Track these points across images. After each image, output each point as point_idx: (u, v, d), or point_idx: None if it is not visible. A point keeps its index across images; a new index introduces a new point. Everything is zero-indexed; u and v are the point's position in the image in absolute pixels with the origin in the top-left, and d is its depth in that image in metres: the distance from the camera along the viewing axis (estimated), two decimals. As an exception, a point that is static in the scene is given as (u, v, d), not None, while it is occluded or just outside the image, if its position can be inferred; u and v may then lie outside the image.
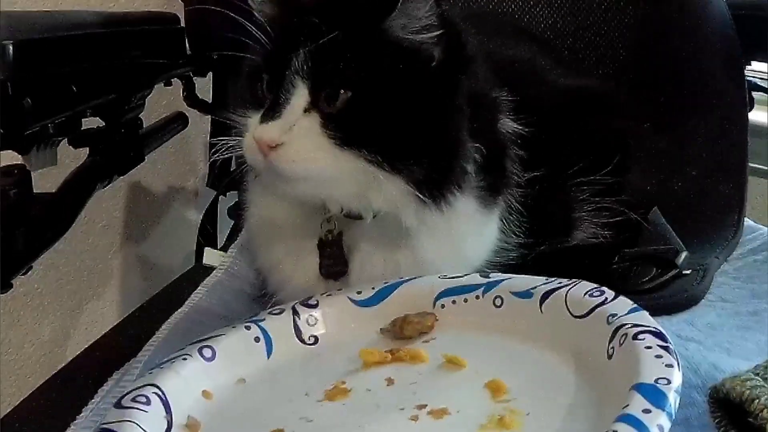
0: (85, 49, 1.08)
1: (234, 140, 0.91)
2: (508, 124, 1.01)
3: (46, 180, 1.12)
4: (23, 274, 1.05)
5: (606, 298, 0.82)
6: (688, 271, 1.07)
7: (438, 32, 0.87)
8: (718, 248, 1.17)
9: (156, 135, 1.36)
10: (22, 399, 1.06)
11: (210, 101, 1.51)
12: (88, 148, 1.21)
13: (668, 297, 1.03)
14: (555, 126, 1.07)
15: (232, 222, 1.40)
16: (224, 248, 1.30)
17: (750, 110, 1.39)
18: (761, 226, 1.26)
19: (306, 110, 0.86)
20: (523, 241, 1.03)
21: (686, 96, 1.33)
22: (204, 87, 1.46)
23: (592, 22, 1.37)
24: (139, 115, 1.27)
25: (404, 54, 0.87)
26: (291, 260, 1.01)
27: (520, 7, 1.37)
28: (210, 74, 1.46)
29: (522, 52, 1.20)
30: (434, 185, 0.90)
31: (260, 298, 1.08)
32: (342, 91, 0.85)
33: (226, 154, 0.92)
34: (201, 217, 1.57)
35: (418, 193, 0.89)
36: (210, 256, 1.21)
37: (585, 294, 0.84)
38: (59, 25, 1.05)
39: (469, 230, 0.98)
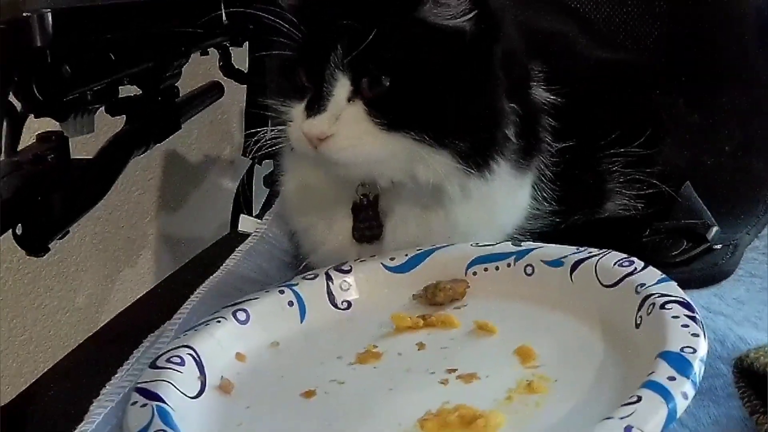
0: (122, 18, 1.09)
1: (277, 129, 0.95)
2: (541, 93, 1.02)
3: (83, 147, 1.13)
4: (60, 238, 1.06)
5: (635, 268, 0.83)
6: (718, 246, 1.07)
7: (472, 14, 0.89)
8: (749, 224, 1.16)
9: (192, 103, 1.37)
10: (57, 360, 1.07)
11: (246, 71, 1.51)
12: (125, 116, 1.22)
13: (698, 270, 1.03)
14: (588, 97, 1.08)
15: (268, 191, 1.41)
16: (259, 216, 1.31)
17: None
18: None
19: (349, 99, 0.89)
20: (555, 209, 1.04)
21: (720, 71, 1.32)
22: (240, 57, 1.47)
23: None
24: (176, 84, 1.27)
25: (439, 36, 0.89)
26: (324, 223, 1.03)
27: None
28: (246, 44, 1.46)
29: (558, 25, 1.20)
30: (479, 156, 0.92)
31: (294, 264, 1.09)
32: (382, 78, 0.88)
33: (271, 146, 0.97)
34: (236, 185, 1.58)
35: (464, 166, 0.91)
36: (245, 222, 1.22)
37: (615, 264, 0.84)
38: (94, -6, 1.06)
39: (503, 194, 1.00)
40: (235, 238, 1.21)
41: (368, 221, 0.99)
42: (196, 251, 1.38)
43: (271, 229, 1.18)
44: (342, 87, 0.89)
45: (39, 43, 0.94)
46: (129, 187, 1.64)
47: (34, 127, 1.02)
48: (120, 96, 1.19)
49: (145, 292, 1.21)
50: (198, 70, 1.52)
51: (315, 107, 0.89)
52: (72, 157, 1.07)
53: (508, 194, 1.01)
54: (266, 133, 0.96)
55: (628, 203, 1.09)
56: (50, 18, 0.95)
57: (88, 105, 1.10)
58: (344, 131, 0.89)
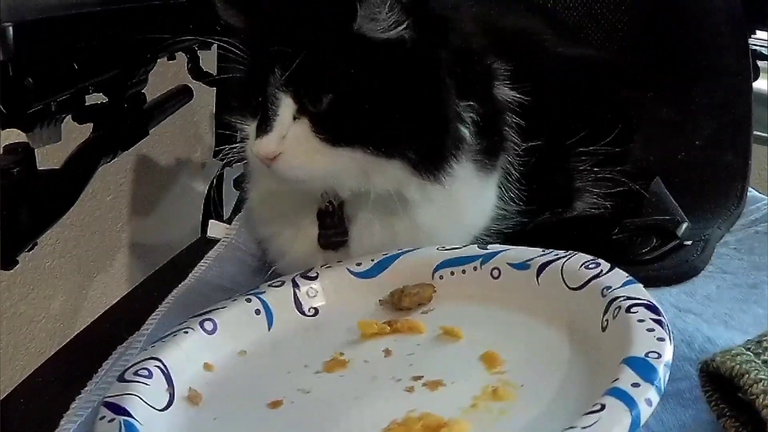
0: (86, 27, 1.07)
1: (238, 146, 0.97)
2: (505, 91, 1.01)
3: (51, 156, 1.12)
4: (29, 250, 1.06)
5: (601, 270, 0.83)
6: (689, 242, 1.07)
7: (407, 23, 0.88)
8: (721, 219, 1.16)
9: (160, 109, 1.36)
10: (27, 374, 1.07)
11: (215, 73, 1.50)
12: (92, 124, 1.21)
13: (668, 268, 1.03)
14: (555, 95, 1.08)
15: (238, 193, 1.40)
16: (230, 220, 1.30)
17: (755, 80, 1.37)
18: (763, 196, 1.25)
19: (295, 118, 0.89)
20: (523, 209, 1.03)
21: (691, 65, 1.31)
22: (209, 59, 1.46)
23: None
24: (142, 90, 1.27)
25: (377, 48, 0.88)
26: (290, 231, 1.03)
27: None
28: (215, 47, 1.45)
29: (524, 21, 1.19)
30: (431, 163, 0.92)
31: (263, 269, 1.09)
32: (323, 95, 0.88)
33: (236, 160, 0.99)
34: (206, 187, 1.57)
35: (417, 174, 0.91)
36: (214, 228, 1.21)
37: (581, 266, 0.84)
38: (60, 4, 1.05)
39: (467, 195, 0.99)
40: (206, 244, 1.20)
41: (333, 228, 0.99)
42: (169, 256, 1.38)
43: (239, 235, 1.18)
44: (286, 106, 0.89)
45: (1, 57, 0.93)
46: (101, 192, 1.64)
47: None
48: (87, 104, 1.18)
49: (115, 301, 1.20)
50: (167, 72, 1.51)
51: (263, 127, 0.89)
52: (39, 167, 1.07)
53: (473, 195, 1.00)
54: (234, 146, 0.97)
55: (598, 202, 1.09)
56: (11, 32, 0.94)
57: (54, 115, 1.09)
58: (292, 149, 0.89)
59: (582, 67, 1.15)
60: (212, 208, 1.43)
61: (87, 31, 1.09)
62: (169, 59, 1.36)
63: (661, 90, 1.27)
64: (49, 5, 1.03)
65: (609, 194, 1.09)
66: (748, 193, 1.24)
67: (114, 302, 1.46)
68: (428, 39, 0.90)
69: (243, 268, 1.12)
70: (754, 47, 1.40)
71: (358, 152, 0.89)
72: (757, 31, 1.41)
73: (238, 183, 1.40)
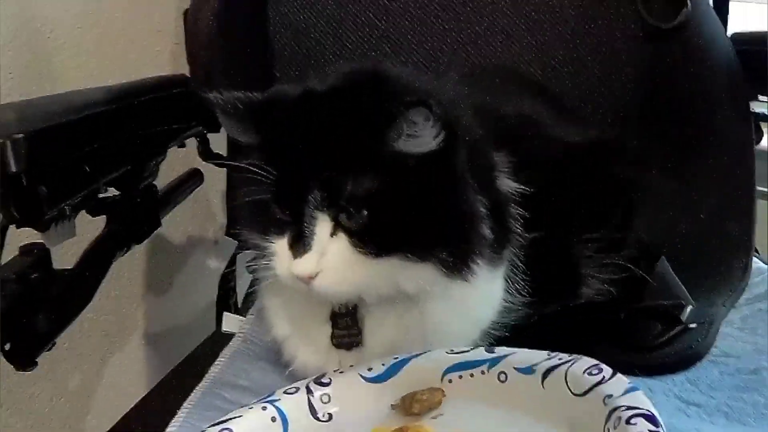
0: (95, 129, 1.10)
1: (264, 264, 0.95)
2: (507, 183, 1.03)
3: (66, 247, 1.15)
4: (48, 350, 1.08)
5: (604, 377, 0.84)
6: (693, 325, 1.08)
7: (441, 136, 0.89)
8: (726, 294, 1.18)
9: (172, 196, 1.39)
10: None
11: (225, 154, 1.52)
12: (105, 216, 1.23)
13: (673, 355, 1.05)
14: (558, 183, 1.09)
15: (251, 278, 1.42)
16: (245, 307, 1.32)
17: (758, 143, 1.39)
18: (765, 265, 1.26)
19: (332, 234, 0.90)
20: (529, 301, 1.04)
21: (693, 137, 1.33)
22: (219, 138, 1.49)
23: (596, 70, 1.37)
24: (154, 182, 1.29)
25: (411, 161, 0.89)
26: (304, 331, 1.04)
27: (522, 58, 1.38)
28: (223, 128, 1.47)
29: (525, 107, 1.20)
30: (461, 261, 0.93)
31: (278, 362, 1.10)
32: (361, 212, 0.88)
33: (263, 279, 1.01)
34: (222, 265, 1.59)
35: (448, 273, 0.93)
36: (228, 321, 1.22)
37: (584, 371, 0.86)
38: (67, 109, 1.07)
39: (477, 289, 1.00)
40: (222, 337, 1.22)
41: (347, 328, 1.01)
42: (185, 335, 1.38)
43: (254, 329, 1.19)
44: (323, 224, 0.89)
45: (14, 168, 0.96)
46: (117, 272, 1.65)
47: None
48: (100, 196, 1.21)
49: (134, 404, 1.22)
50: (178, 153, 1.53)
51: (300, 247, 0.89)
52: (54, 260, 1.09)
53: (483, 289, 1.01)
54: (262, 267, 0.96)
55: (603, 288, 1.10)
56: (23, 142, 0.96)
57: (68, 214, 1.12)
58: (332, 266, 0.90)
59: (581, 151, 1.16)
60: (226, 298, 1.43)
61: (96, 133, 1.11)
62: (179, 147, 1.37)
63: (664, 164, 1.28)
64: (55, 112, 1.06)
65: (614, 280, 1.10)
66: (753, 265, 1.25)
67: (132, 380, 1.49)
68: (452, 143, 0.91)
69: (258, 363, 1.13)
70: (757, 110, 1.40)
71: (395, 260, 0.90)
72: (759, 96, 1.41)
73: (250, 267, 1.42)
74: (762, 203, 1.63)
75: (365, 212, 0.88)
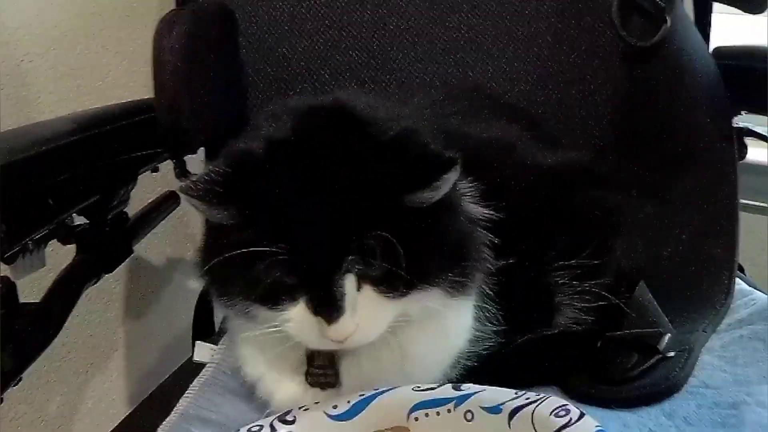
0: (60, 162, 1.08)
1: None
2: (472, 209, 1.00)
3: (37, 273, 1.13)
4: (14, 385, 1.06)
5: (570, 419, 0.82)
6: (672, 354, 1.06)
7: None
8: (707, 318, 1.16)
9: (146, 221, 1.37)
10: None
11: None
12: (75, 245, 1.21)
13: (649, 386, 1.02)
14: (530, 208, 1.07)
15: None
16: (221, 332, 1.30)
17: (742, 159, 1.36)
18: (749, 288, 1.24)
19: (358, 289, 0.88)
20: (500, 329, 1.03)
21: (673, 157, 1.31)
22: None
23: (573, 90, 1.35)
24: (125, 210, 1.27)
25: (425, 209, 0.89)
26: (278, 371, 1.02)
27: (497, 78, 1.36)
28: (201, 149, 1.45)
29: (497, 130, 1.18)
30: (464, 278, 0.94)
31: (249, 395, 1.08)
32: (384, 263, 0.87)
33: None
34: (200, 287, 1.57)
35: (452, 293, 0.93)
36: (200, 351, 1.20)
37: (551, 413, 0.84)
38: (31, 143, 1.05)
39: (451, 316, 0.99)
40: (196, 366, 1.20)
41: (323, 369, 0.99)
42: (165, 357, 1.36)
43: (225, 358, 1.17)
44: (350, 282, 0.87)
45: (-29, 207, 0.94)
46: (95, 294, 1.64)
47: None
48: (70, 224, 1.19)
49: (114, 427, 1.20)
50: (154, 175, 1.52)
51: (332, 311, 0.86)
52: (22, 292, 1.07)
53: (455, 317, 1.00)
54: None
55: (578, 317, 1.08)
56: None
57: (35, 247, 1.10)
58: (366, 319, 0.88)
59: (558, 176, 1.14)
60: (201, 322, 1.42)
61: (61, 165, 1.09)
62: (153, 171, 1.35)
63: (645, 185, 1.26)
64: (17, 147, 1.04)
65: (590, 308, 1.08)
66: (736, 287, 1.22)
67: (112, 401, 1.46)
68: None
69: (228, 396, 1.11)
70: (744, 124, 1.38)
71: (414, 293, 0.89)
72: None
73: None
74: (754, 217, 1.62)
75: (385, 261, 0.87)
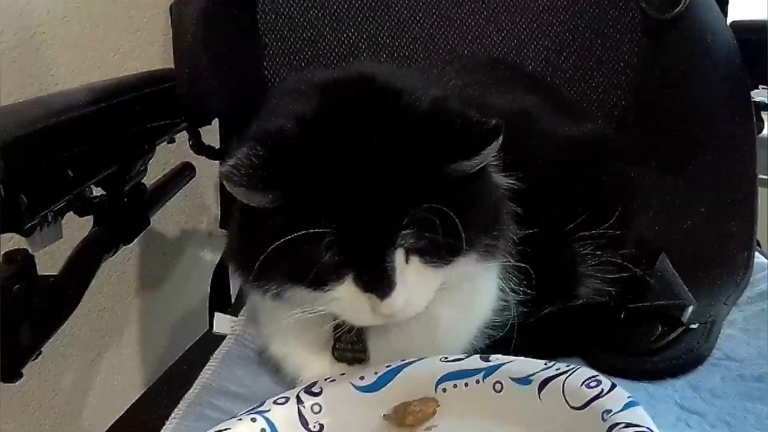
0: (77, 132, 1.08)
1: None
2: (498, 179, 0.99)
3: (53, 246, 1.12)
4: (33, 359, 1.06)
5: (602, 390, 0.81)
6: (695, 326, 1.06)
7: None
8: (729, 291, 1.15)
9: (162, 192, 1.36)
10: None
11: (217, 146, 1.49)
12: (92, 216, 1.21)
13: (674, 358, 1.02)
14: (553, 178, 1.07)
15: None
16: (239, 302, 1.29)
17: (759, 133, 1.35)
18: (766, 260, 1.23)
19: (406, 261, 0.88)
20: (524, 299, 1.02)
21: (694, 132, 1.30)
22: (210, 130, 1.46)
23: (593, 62, 1.34)
24: (142, 180, 1.26)
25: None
26: (305, 348, 1.02)
27: (518, 49, 1.35)
28: (215, 121, 1.45)
29: (520, 101, 1.17)
30: (496, 242, 0.95)
31: (269, 366, 1.08)
32: (428, 235, 0.86)
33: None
34: (216, 258, 1.57)
35: (485, 257, 0.93)
36: (220, 323, 1.19)
37: (582, 384, 0.83)
38: (47, 114, 1.04)
39: (477, 286, 1.00)
40: (214, 338, 1.19)
41: (351, 344, 0.99)
42: (180, 330, 1.35)
43: (246, 330, 1.17)
44: (400, 256, 0.87)
45: (-9, 179, 0.93)
46: (109, 268, 1.64)
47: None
48: (87, 196, 1.18)
49: (129, 404, 1.20)
50: (169, 147, 1.51)
51: (383, 287, 0.86)
52: (38, 263, 1.06)
53: (482, 285, 1.01)
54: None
55: (601, 287, 1.07)
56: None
57: (53, 218, 1.09)
58: (415, 290, 0.88)
59: (580, 147, 1.14)
60: (218, 293, 1.41)
61: (78, 136, 1.08)
62: (169, 142, 1.35)
63: (664, 161, 1.25)
64: (34, 117, 1.03)
65: (613, 280, 1.08)
66: (755, 260, 1.22)
67: (125, 377, 1.46)
68: None
69: (251, 368, 1.11)
70: (757, 99, 1.38)
71: (456, 260, 0.89)
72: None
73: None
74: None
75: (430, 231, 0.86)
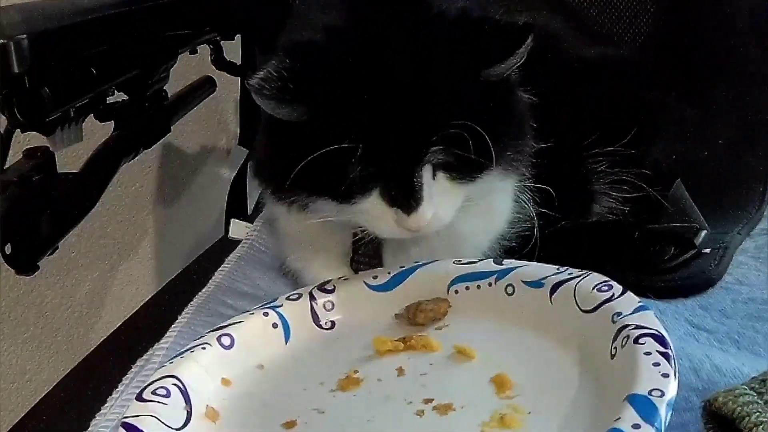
0: (102, 32, 1.07)
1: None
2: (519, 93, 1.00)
3: (73, 152, 1.12)
4: (50, 254, 1.07)
5: (613, 294, 0.82)
6: (707, 250, 1.06)
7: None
8: (741, 222, 1.16)
9: (183, 102, 1.37)
10: (52, 386, 1.08)
11: (239, 62, 1.50)
12: (113, 122, 1.21)
13: (685, 279, 1.03)
14: (569, 96, 1.08)
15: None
16: (255, 212, 1.30)
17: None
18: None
19: (433, 176, 0.88)
20: (539, 212, 1.03)
21: (714, 62, 1.30)
22: (232, 47, 1.46)
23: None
24: (164, 87, 1.27)
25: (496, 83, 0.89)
26: (323, 259, 1.04)
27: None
28: (238, 36, 1.45)
29: (541, 20, 1.17)
30: (520, 155, 0.95)
31: (282, 270, 1.10)
32: (457, 152, 0.86)
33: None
34: (233, 174, 1.58)
35: (508, 170, 0.94)
36: (236, 228, 1.21)
37: (594, 288, 0.84)
38: (75, 11, 1.04)
39: (494, 198, 1.01)
40: (230, 243, 1.21)
41: (368, 256, 1.00)
42: (195, 242, 1.36)
43: (261, 236, 1.18)
44: (426, 171, 0.87)
45: (17, 69, 0.94)
46: (127, 180, 1.65)
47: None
48: (108, 101, 1.19)
49: (141, 304, 1.21)
50: (190, 62, 1.51)
51: (411, 202, 0.87)
52: (59, 166, 1.07)
53: (499, 197, 1.02)
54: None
55: (616, 206, 1.09)
56: (27, 44, 0.94)
57: (74, 117, 1.10)
58: (441, 206, 0.89)
59: (600, 67, 1.15)
60: (236, 203, 1.42)
61: (104, 35, 1.09)
62: (191, 53, 1.35)
63: (684, 88, 1.25)
64: (62, 13, 1.03)
65: (627, 199, 1.09)
66: (769, 194, 1.22)
67: (141, 289, 1.48)
68: None
69: (264, 271, 1.13)
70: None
71: (484, 175, 0.90)
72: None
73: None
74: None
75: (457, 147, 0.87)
